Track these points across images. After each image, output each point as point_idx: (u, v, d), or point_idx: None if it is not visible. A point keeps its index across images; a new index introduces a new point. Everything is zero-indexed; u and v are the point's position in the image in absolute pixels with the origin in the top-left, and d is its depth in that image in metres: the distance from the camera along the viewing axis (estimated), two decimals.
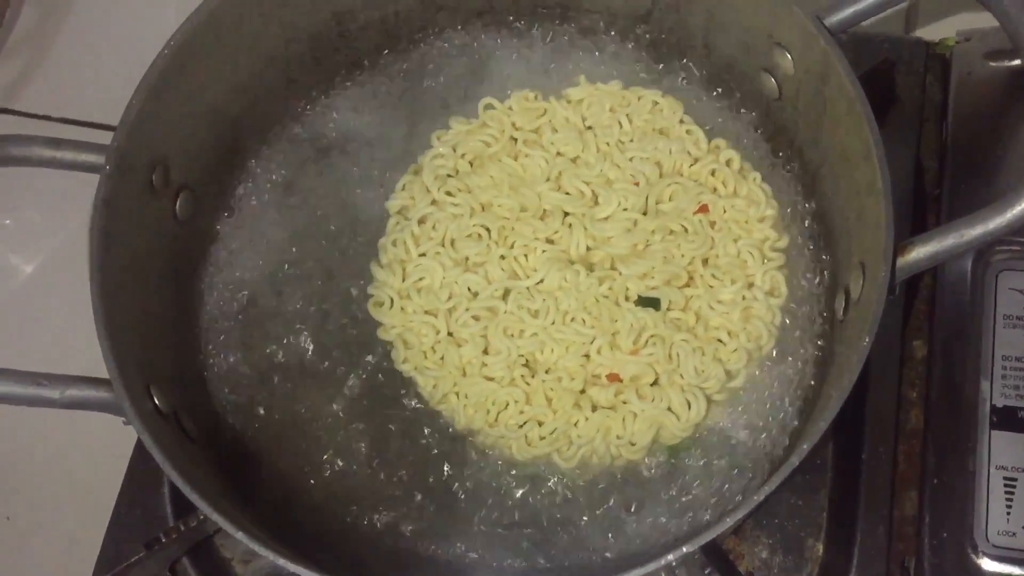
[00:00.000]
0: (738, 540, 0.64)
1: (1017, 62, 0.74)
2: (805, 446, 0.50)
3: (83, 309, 0.76)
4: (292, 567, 0.51)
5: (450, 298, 0.66)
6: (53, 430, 0.75)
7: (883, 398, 0.66)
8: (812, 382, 0.62)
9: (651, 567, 0.49)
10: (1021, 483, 0.61)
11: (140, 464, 0.69)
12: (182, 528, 0.64)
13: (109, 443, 0.71)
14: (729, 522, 0.50)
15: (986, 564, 0.60)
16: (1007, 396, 0.63)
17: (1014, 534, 0.60)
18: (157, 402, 0.57)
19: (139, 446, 0.70)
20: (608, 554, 0.60)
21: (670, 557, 0.49)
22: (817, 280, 0.65)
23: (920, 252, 0.53)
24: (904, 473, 0.65)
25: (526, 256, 0.66)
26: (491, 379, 0.63)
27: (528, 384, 0.63)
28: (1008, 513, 0.61)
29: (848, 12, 0.58)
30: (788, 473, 0.50)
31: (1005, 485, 0.61)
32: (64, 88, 0.90)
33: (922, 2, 0.81)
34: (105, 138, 0.61)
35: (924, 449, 0.65)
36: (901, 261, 0.53)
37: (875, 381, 0.66)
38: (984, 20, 0.60)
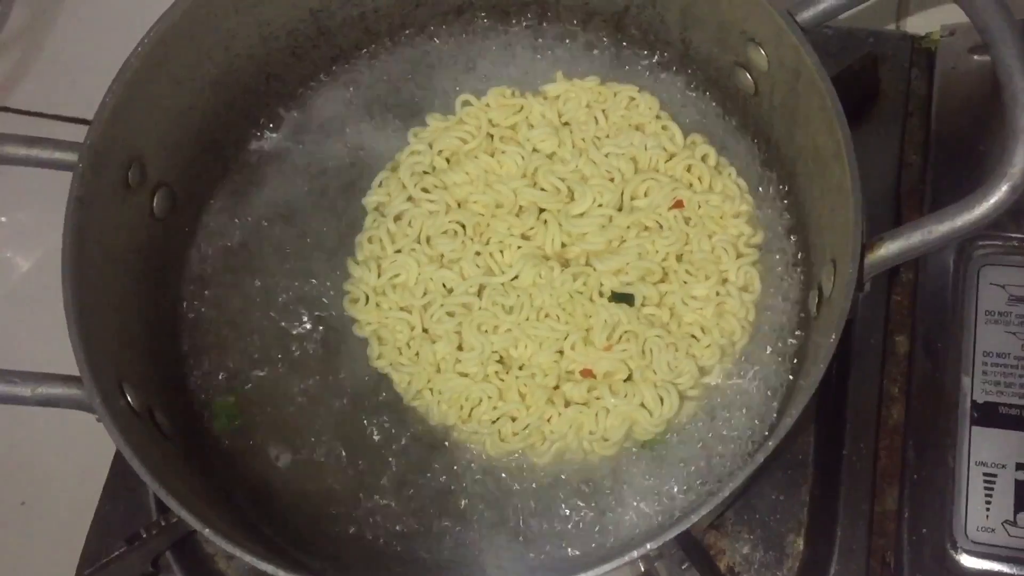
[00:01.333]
0: (719, 535, 0.64)
1: None
2: (770, 443, 0.50)
3: None
4: (263, 566, 0.52)
5: (425, 294, 0.66)
6: (35, 425, 0.76)
7: (865, 393, 0.66)
8: (790, 377, 0.62)
9: (616, 563, 0.49)
10: (1000, 479, 0.61)
11: (124, 460, 0.67)
12: (163, 524, 0.64)
13: (93, 439, 0.67)
14: (693, 519, 0.50)
15: (965, 560, 0.61)
16: (987, 392, 0.64)
17: (993, 530, 0.61)
18: (130, 399, 0.57)
19: None
20: (580, 550, 0.60)
21: (634, 554, 0.49)
22: (792, 276, 0.65)
23: (888, 248, 0.53)
24: (885, 468, 0.65)
25: (501, 252, 0.66)
26: (465, 375, 0.64)
27: (502, 380, 0.64)
28: (987, 509, 0.61)
29: (821, 7, 0.58)
30: (753, 469, 0.50)
31: (985, 481, 0.62)
32: (56, 85, 0.90)
33: None
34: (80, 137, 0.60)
35: (905, 445, 0.65)
36: (870, 258, 0.53)
37: (856, 377, 0.66)
38: None
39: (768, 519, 0.64)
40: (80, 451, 0.74)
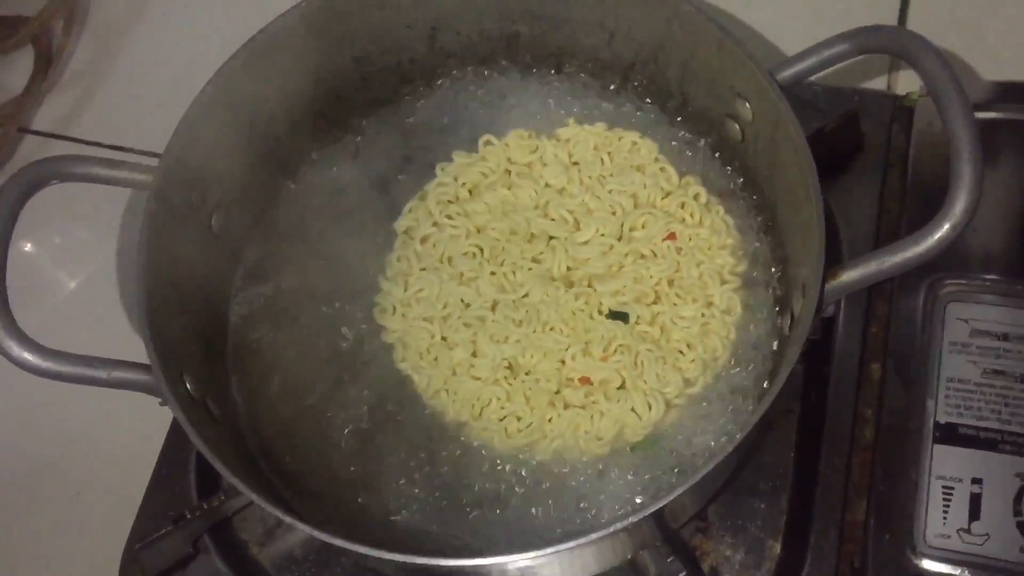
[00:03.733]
0: (704, 539, 0.68)
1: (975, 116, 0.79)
2: (738, 436, 0.55)
3: (118, 323, 0.82)
4: (310, 531, 0.55)
5: (445, 307, 0.71)
6: (95, 420, 0.82)
7: (841, 415, 0.70)
8: (765, 387, 0.66)
9: (596, 536, 0.54)
10: (957, 492, 0.65)
11: (170, 452, 0.75)
12: (205, 506, 0.70)
13: (143, 433, 0.77)
14: (663, 502, 0.54)
15: (923, 563, 0.64)
16: (949, 414, 0.67)
17: (949, 536, 0.64)
18: (189, 387, 0.63)
19: (170, 436, 0.76)
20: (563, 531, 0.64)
21: (614, 527, 0.54)
22: (771, 302, 0.69)
23: (848, 276, 0.58)
24: (856, 482, 0.68)
25: (514, 273, 0.71)
26: (478, 379, 0.68)
27: (510, 384, 0.68)
28: (945, 518, 0.64)
29: (796, 68, 0.64)
30: (720, 459, 0.55)
31: (943, 493, 0.65)
32: (115, 118, 0.95)
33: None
34: (152, 162, 0.66)
35: (874, 461, 0.68)
36: (832, 284, 0.58)
37: (834, 400, 0.70)
38: None
39: (750, 525, 0.67)
40: (127, 448, 0.80)
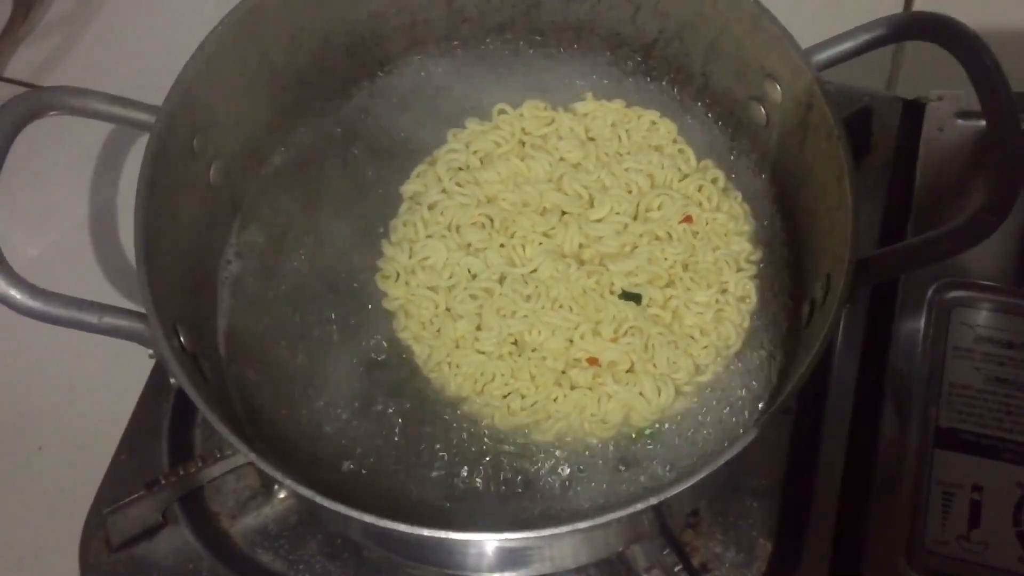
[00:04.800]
0: (695, 535, 0.67)
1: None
2: (757, 422, 0.55)
3: (92, 284, 0.79)
4: (312, 496, 0.53)
5: (451, 277, 0.69)
6: (66, 371, 0.79)
7: (838, 415, 0.70)
8: (775, 380, 0.66)
9: (592, 523, 0.53)
10: (957, 498, 0.65)
11: (143, 414, 0.73)
12: (181, 472, 0.68)
13: (110, 391, 0.75)
14: (669, 493, 0.53)
15: (920, 572, 0.63)
16: (951, 419, 0.68)
17: (947, 543, 0.64)
18: (183, 340, 0.60)
19: (143, 398, 0.73)
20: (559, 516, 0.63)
21: (639, 506, 0.53)
22: (787, 290, 0.69)
23: (874, 266, 0.58)
24: (852, 484, 0.68)
25: (524, 246, 0.70)
26: (482, 352, 0.67)
27: (515, 361, 0.67)
28: (944, 524, 0.65)
29: (829, 53, 0.63)
30: (731, 456, 0.53)
31: (943, 499, 0.65)
32: (96, 68, 0.93)
33: (904, 66, 0.87)
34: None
35: (872, 463, 0.68)
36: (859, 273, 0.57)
37: (833, 400, 0.70)
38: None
39: (741, 523, 0.67)
40: (96, 403, 0.77)
